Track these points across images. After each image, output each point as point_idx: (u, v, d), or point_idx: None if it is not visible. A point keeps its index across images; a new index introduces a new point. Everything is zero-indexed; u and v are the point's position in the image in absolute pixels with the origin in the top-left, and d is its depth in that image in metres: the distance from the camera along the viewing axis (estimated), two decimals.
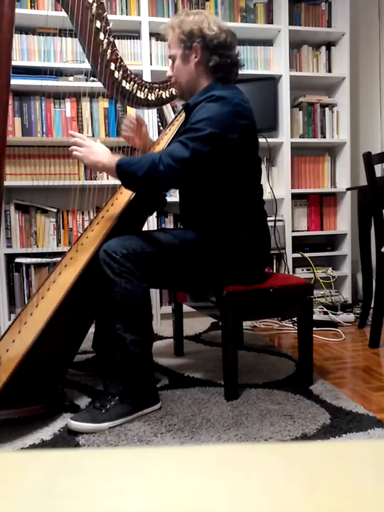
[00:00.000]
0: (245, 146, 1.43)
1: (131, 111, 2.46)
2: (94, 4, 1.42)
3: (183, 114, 1.73)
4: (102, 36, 1.46)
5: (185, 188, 1.59)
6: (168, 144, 1.69)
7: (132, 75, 1.57)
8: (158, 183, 1.35)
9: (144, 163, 1.32)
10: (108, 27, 1.46)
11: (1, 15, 1.15)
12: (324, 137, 2.78)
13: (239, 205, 1.49)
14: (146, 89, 1.63)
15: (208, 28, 1.44)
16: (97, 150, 1.41)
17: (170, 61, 1.55)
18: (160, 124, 2.52)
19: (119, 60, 1.52)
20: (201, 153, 1.33)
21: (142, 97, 1.62)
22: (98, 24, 1.45)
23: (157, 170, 1.31)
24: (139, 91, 1.61)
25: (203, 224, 1.53)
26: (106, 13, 1.46)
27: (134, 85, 1.58)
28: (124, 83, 1.55)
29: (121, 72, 1.53)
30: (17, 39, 2.32)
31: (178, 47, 1.47)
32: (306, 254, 2.69)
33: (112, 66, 1.51)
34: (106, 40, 1.47)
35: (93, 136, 2.44)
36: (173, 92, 1.70)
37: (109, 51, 1.49)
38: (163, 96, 1.69)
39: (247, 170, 1.49)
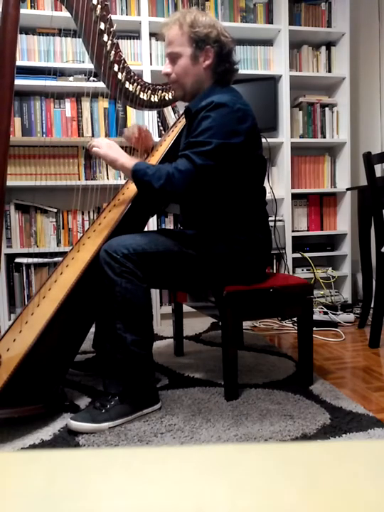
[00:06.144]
0: (249, 147, 1.43)
1: (132, 111, 2.46)
2: (99, 6, 1.43)
3: (182, 121, 1.73)
4: (105, 38, 1.46)
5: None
6: (169, 148, 1.69)
7: (135, 77, 1.57)
8: (172, 196, 1.38)
9: (160, 176, 1.34)
10: (112, 29, 1.46)
11: (6, 15, 1.15)
12: (324, 137, 2.78)
13: (242, 206, 1.50)
14: (149, 91, 1.63)
15: (222, 34, 1.45)
16: (116, 148, 1.45)
17: (164, 58, 1.53)
18: (160, 124, 2.51)
19: (122, 61, 1.52)
20: (209, 167, 1.35)
21: (145, 98, 1.62)
22: (102, 26, 1.45)
23: (172, 184, 1.34)
24: (141, 92, 1.61)
25: (205, 224, 1.53)
26: (110, 14, 1.46)
27: (137, 87, 1.58)
28: (127, 84, 1.55)
29: (124, 74, 1.53)
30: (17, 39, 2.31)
31: (188, 46, 1.45)
32: (306, 254, 2.69)
33: (116, 67, 1.51)
34: (110, 42, 1.47)
35: (93, 136, 2.44)
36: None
37: (112, 52, 1.49)
38: (166, 98, 1.69)
39: (251, 170, 1.49)
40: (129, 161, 1.41)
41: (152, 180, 1.35)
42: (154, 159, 1.68)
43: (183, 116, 1.74)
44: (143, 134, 1.74)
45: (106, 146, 1.44)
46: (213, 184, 1.40)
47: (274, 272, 2.68)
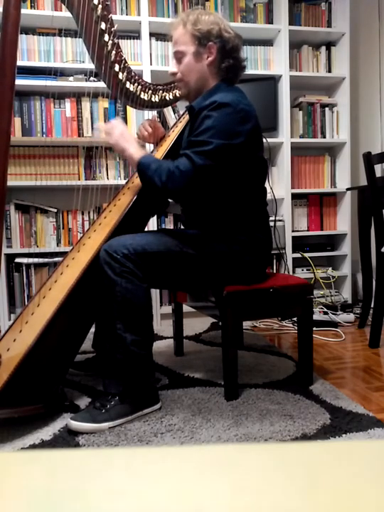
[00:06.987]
0: (250, 148, 1.43)
1: (132, 111, 2.46)
2: (100, 6, 1.43)
3: (187, 116, 1.73)
4: (106, 38, 1.47)
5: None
6: (171, 146, 1.70)
7: (136, 77, 1.58)
8: (172, 194, 1.40)
9: (161, 172, 1.36)
10: (113, 29, 1.47)
11: (7, 16, 1.15)
12: (324, 137, 2.78)
13: (243, 206, 1.50)
14: (150, 91, 1.63)
15: (225, 30, 1.45)
16: (128, 137, 1.49)
17: (172, 58, 1.54)
18: (160, 125, 2.51)
19: (123, 61, 1.52)
20: (208, 167, 1.35)
21: (146, 98, 1.62)
22: (103, 26, 1.45)
23: (173, 181, 1.35)
24: (142, 92, 1.61)
25: (206, 224, 1.53)
26: (111, 15, 1.46)
27: (137, 87, 1.58)
28: (128, 84, 1.55)
29: (125, 74, 1.53)
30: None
31: (191, 44, 1.46)
32: (306, 254, 2.69)
33: (117, 67, 1.51)
34: (111, 42, 1.47)
35: (93, 136, 2.44)
36: (177, 94, 1.70)
37: (113, 52, 1.49)
38: (167, 98, 1.69)
39: (252, 171, 1.49)
40: (136, 152, 1.44)
41: (154, 177, 1.37)
42: (158, 155, 1.68)
43: (186, 114, 1.75)
44: (153, 127, 1.76)
45: (118, 134, 1.48)
46: (212, 184, 1.40)
47: (274, 271, 2.68)
